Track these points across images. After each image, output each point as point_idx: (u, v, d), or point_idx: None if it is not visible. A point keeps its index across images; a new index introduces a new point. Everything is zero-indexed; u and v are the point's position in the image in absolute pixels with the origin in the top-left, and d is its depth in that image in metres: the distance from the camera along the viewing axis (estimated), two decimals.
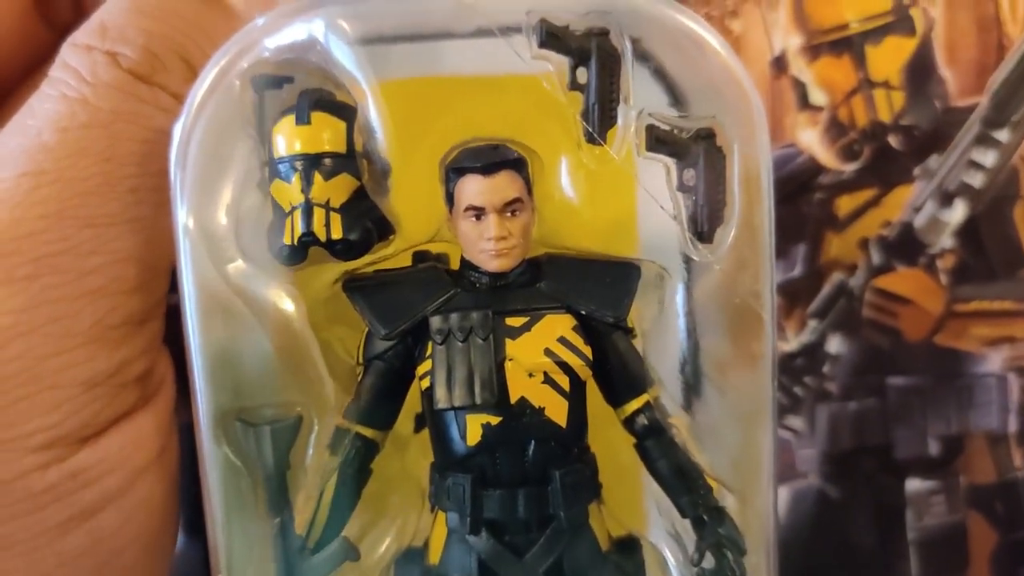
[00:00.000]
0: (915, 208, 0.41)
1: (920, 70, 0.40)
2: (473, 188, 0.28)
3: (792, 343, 0.41)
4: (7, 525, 0.27)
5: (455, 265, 0.31)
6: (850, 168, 0.40)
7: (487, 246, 0.28)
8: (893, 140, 0.40)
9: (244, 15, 0.34)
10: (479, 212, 0.28)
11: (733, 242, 0.28)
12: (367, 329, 0.30)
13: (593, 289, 0.29)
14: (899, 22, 0.39)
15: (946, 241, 0.41)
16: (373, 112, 0.28)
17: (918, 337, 0.41)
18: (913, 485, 0.42)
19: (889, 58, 0.40)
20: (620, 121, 0.27)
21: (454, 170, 0.28)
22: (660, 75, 0.27)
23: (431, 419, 0.30)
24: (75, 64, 0.30)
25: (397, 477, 0.32)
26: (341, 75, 0.28)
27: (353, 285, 0.29)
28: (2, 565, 0.27)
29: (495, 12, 0.27)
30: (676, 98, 0.27)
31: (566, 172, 0.28)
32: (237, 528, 0.29)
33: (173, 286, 0.30)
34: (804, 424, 0.41)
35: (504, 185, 0.28)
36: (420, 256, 0.31)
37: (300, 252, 0.28)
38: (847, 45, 0.39)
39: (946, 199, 0.41)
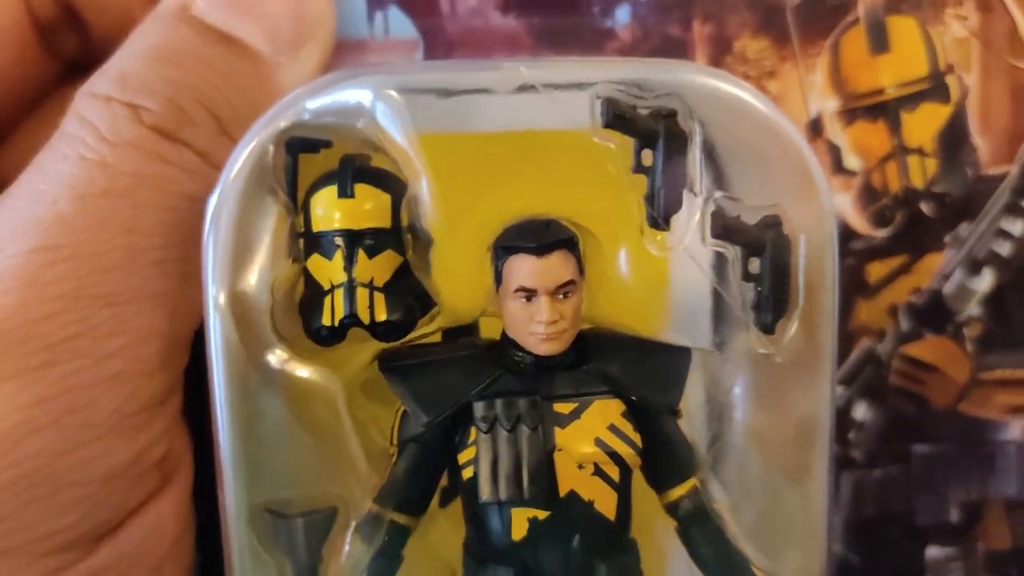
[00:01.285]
0: (944, 276, 0.40)
1: (953, 138, 0.39)
2: (525, 269, 0.27)
3: None
4: None
5: (485, 332, 0.29)
6: (882, 234, 0.39)
7: (537, 329, 0.27)
8: (925, 207, 0.39)
9: (270, 60, 0.32)
10: (530, 294, 0.27)
11: (796, 332, 0.27)
12: (400, 408, 0.28)
13: (645, 373, 0.28)
14: (934, 89, 0.39)
15: (973, 309, 0.40)
16: (424, 184, 0.26)
17: (943, 405, 0.41)
18: (932, 552, 0.42)
19: (924, 125, 0.39)
20: (684, 207, 0.26)
21: (504, 248, 0.27)
22: (720, 157, 0.26)
23: (470, 508, 0.28)
24: (93, 119, 0.28)
25: (421, 556, 0.30)
26: (390, 145, 0.26)
27: (391, 366, 0.28)
28: None
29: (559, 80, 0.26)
30: (739, 182, 0.26)
31: (625, 256, 0.27)
32: None
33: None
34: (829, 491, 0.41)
35: (557, 266, 0.27)
36: (449, 333, 0.29)
37: (340, 333, 0.26)
38: (883, 110, 0.39)
39: (974, 267, 0.40)
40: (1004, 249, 0.40)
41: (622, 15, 0.37)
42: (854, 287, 0.40)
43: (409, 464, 0.28)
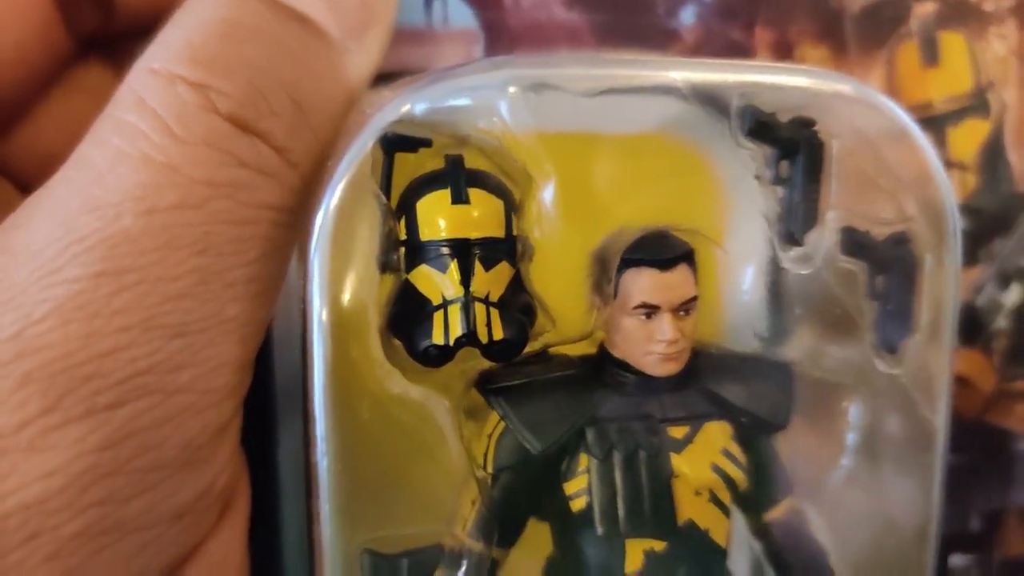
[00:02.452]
0: (976, 289, 0.41)
1: (992, 153, 0.40)
2: (648, 283, 0.25)
3: None
4: None
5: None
6: None
7: (658, 348, 0.25)
8: (964, 221, 0.40)
9: (339, 44, 0.28)
10: (652, 310, 0.25)
11: (919, 350, 0.26)
12: (492, 433, 0.26)
13: (753, 394, 0.27)
14: (977, 105, 0.39)
15: (1001, 322, 0.41)
16: (549, 188, 0.24)
17: (970, 415, 0.42)
18: (953, 560, 0.43)
19: (967, 140, 0.39)
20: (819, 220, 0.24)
21: (624, 260, 0.25)
22: (860, 174, 0.25)
23: (574, 539, 0.26)
24: (156, 104, 0.24)
25: None
26: (512, 147, 0.24)
27: (494, 389, 0.25)
28: None
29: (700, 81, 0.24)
30: (872, 201, 0.25)
31: (752, 271, 0.25)
32: None
33: None
34: None
35: (681, 281, 0.25)
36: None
37: (451, 353, 0.24)
38: (931, 124, 0.39)
39: (1004, 281, 0.41)
40: None
41: (687, 16, 0.35)
42: None
43: (506, 494, 0.26)
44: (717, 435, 0.26)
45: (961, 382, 0.41)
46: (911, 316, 0.25)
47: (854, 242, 0.25)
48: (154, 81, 0.24)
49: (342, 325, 0.23)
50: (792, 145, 0.24)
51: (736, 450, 0.27)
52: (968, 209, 0.40)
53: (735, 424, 0.27)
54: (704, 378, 0.27)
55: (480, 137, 0.24)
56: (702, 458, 0.26)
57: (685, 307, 0.25)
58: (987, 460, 0.42)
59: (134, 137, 0.23)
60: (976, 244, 0.40)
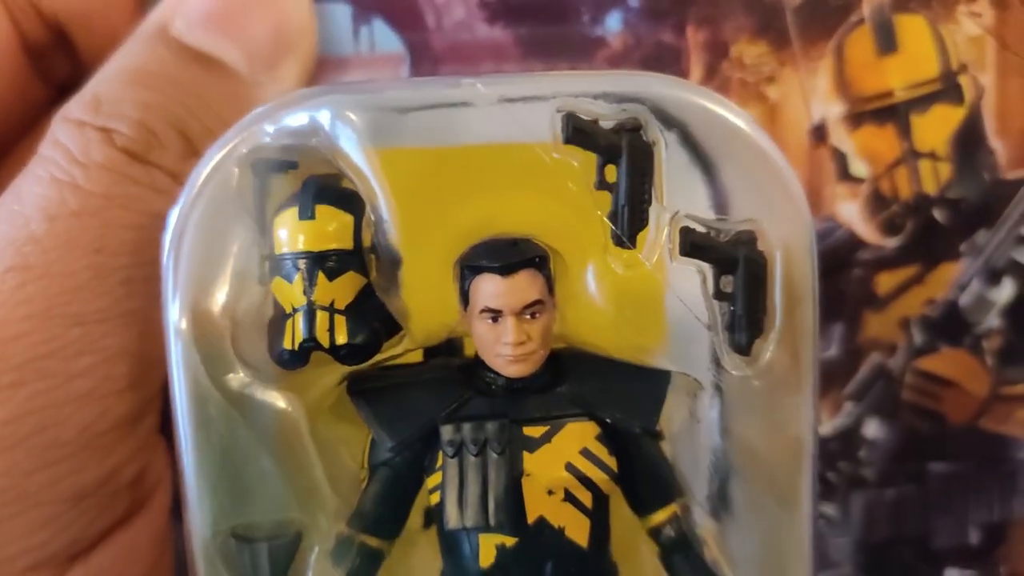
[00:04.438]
0: (961, 286, 0.38)
1: (968, 140, 0.37)
2: (490, 289, 0.26)
3: (826, 426, 0.38)
4: None
5: (470, 349, 0.29)
6: (892, 243, 0.38)
7: (504, 351, 0.26)
8: (938, 214, 0.38)
9: (248, 78, 0.31)
10: (496, 315, 0.26)
11: (773, 352, 0.25)
12: (371, 432, 0.28)
13: (620, 395, 0.27)
14: (947, 90, 0.37)
15: (993, 321, 0.38)
16: (382, 202, 0.26)
17: (961, 421, 0.39)
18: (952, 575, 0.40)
19: (936, 128, 0.37)
20: (652, 223, 0.25)
21: (469, 268, 0.26)
22: (697, 171, 0.25)
23: (440, 534, 0.27)
24: (66, 142, 0.28)
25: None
26: (347, 165, 0.26)
27: (358, 389, 0.27)
28: None
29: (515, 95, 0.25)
30: (714, 196, 0.25)
31: (592, 274, 0.26)
32: None
33: None
34: (838, 511, 0.39)
35: (524, 286, 0.26)
36: (430, 352, 0.29)
37: (302, 357, 0.26)
38: (891, 114, 0.37)
39: (993, 277, 0.38)
40: None
41: (613, 22, 0.36)
42: (863, 299, 0.38)
43: (380, 488, 0.28)
44: (578, 435, 0.27)
45: (948, 385, 0.39)
46: (761, 317, 0.25)
47: (692, 243, 0.24)
48: (67, 126, 0.28)
49: (201, 331, 0.25)
50: (614, 151, 0.24)
51: (601, 451, 0.27)
52: (944, 201, 0.38)
53: (602, 425, 0.27)
54: (572, 381, 0.27)
55: (327, 157, 0.26)
56: (556, 458, 0.26)
57: (530, 311, 0.26)
58: (984, 469, 0.39)
59: (47, 164, 0.28)
60: (956, 238, 0.38)
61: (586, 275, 0.26)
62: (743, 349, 0.25)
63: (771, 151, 0.24)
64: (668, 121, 0.24)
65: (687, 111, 0.24)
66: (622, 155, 0.24)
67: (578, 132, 0.24)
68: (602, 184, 0.24)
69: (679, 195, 0.25)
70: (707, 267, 0.25)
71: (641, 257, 0.25)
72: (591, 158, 0.25)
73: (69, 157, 0.28)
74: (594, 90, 0.24)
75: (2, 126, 0.34)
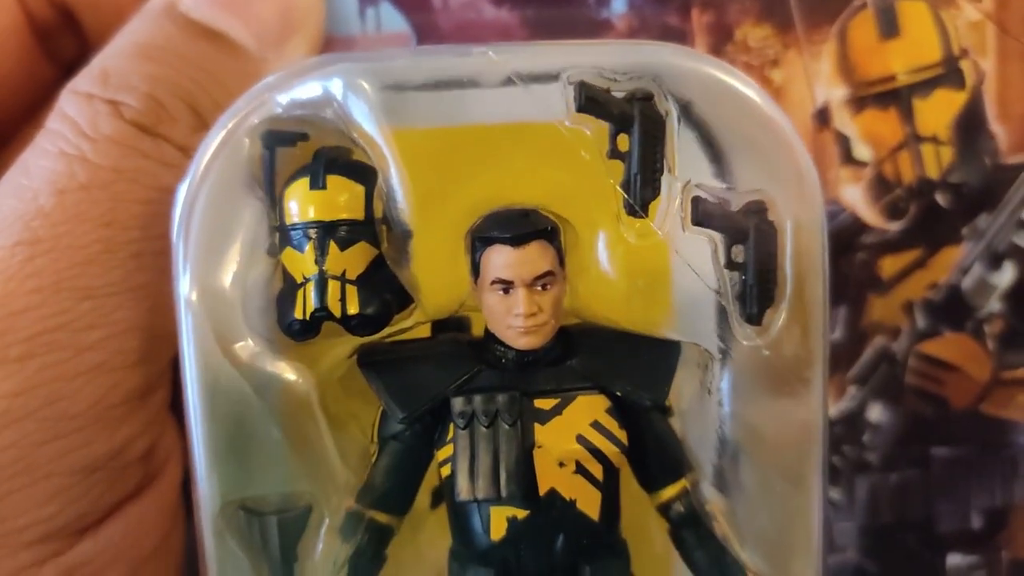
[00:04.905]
0: (963, 270, 0.38)
1: (970, 125, 0.37)
2: (501, 260, 0.26)
3: (831, 410, 0.39)
4: None
5: (477, 329, 0.29)
6: (895, 227, 0.38)
7: (515, 322, 0.26)
8: (941, 198, 0.38)
9: (256, 54, 0.31)
10: (507, 285, 0.26)
11: (785, 322, 0.26)
12: (381, 405, 0.28)
13: (630, 368, 0.27)
14: (949, 75, 0.37)
15: (994, 305, 0.39)
16: (394, 174, 0.26)
17: (963, 405, 0.39)
18: (954, 560, 0.40)
19: (938, 112, 0.37)
20: (664, 192, 0.25)
21: (480, 239, 0.26)
22: (707, 142, 0.25)
23: (451, 507, 0.27)
24: (74, 115, 0.28)
25: (410, 559, 0.29)
26: (359, 135, 0.26)
27: (369, 361, 0.27)
28: None
29: (527, 68, 0.25)
30: (724, 168, 0.25)
31: (603, 245, 0.26)
32: None
33: None
34: (843, 496, 0.39)
35: (535, 257, 0.26)
36: (439, 324, 0.29)
37: (312, 327, 0.26)
38: (894, 98, 0.37)
39: (995, 261, 0.38)
40: None
41: (618, 5, 0.36)
42: (867, 283, 0.38)
43: (389, 462, 0.28)
44: (588, 408, 0.27)
45: (950, 369, 0.39)
46: (772, 287, 0.25)
47: (704, 212, 0.25)
48: (75, 99, 0.28)
49: (211, 303, 0.25)
50: (626, 119, 0.24)
51: (611, 424, 0.27)
52: (946, 185, 0.38)
53: (612, 398, 0.27)
54: (583, 354, 0.27)
55: (339, 128, 0.26)
56: (567, 430, 0.26)
57: (541, 282, 0.26)
58: (987, 454, 0.39)
59: (54, 138, 0.28)
60: (957, 221, 0.38)
61: (597, 246, 0.26)
62: (754, 319, 0.25)
63: (782, 122, 0.25)
64: (677, 92, 0.24)
65: (696, 81, 0.24)
66: (634, 124, 0.24)
67: (591, 101, 0.24)
68: (614, 153, 0.24)
69: (688, 165, 0.25)
70: (718, 237, 0.25)
71: (654, 226, 0.25)
72: (604, 128, 0.25)
73: (77, 130, 0.28)
74: (605, 61, 0.24)
75: (10, 106, 0.34)
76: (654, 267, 0.25)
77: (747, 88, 0.25)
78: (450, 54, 0.25)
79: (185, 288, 0.25)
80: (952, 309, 0.38)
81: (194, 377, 0.25)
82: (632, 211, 0.25)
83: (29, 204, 0.27)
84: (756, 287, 0.25)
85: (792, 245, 0.25)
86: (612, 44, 0.27)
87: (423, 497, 0.29)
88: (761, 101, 0.25)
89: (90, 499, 0.27)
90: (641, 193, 0.24)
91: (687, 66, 0.24)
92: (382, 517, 0.28)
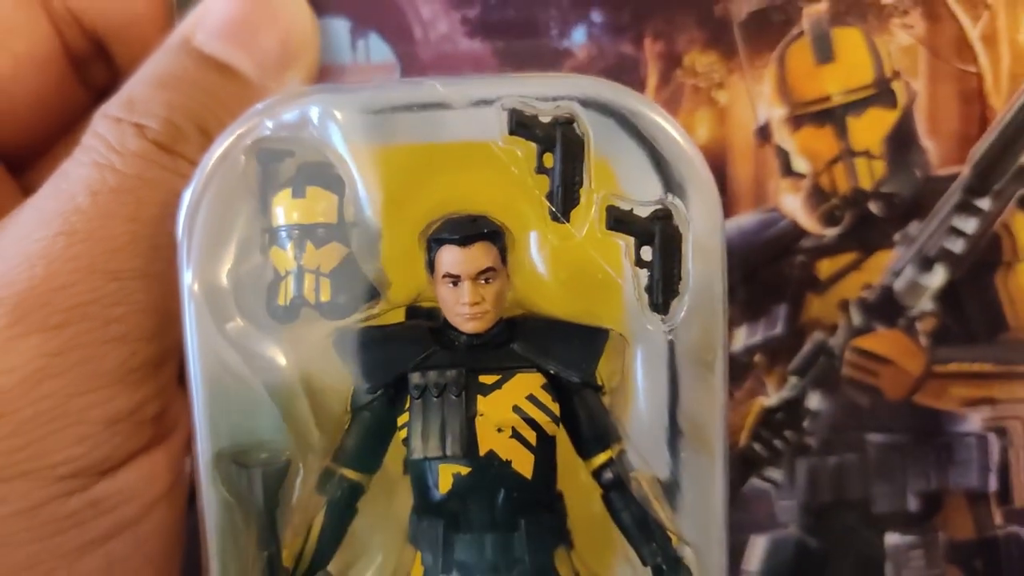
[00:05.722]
0: (895, 272, 0.42)
1: (901, 140, 0.41)
2: (450, 258, 0.31)
3: (773, 398, 0.43)
4: (31, 547, 0.31)
5: None
6: (831, 233, 0.42)
7: (462, 310, 0.31)
8: (874, 207, 0.42)
9: (258, 83, 0.37)
10: (455, 279, 0.31)
11: (688, 312, 0.30)
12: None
13: (562, 350, 0.32)
14: (880, 95, 0.41)
15: (926, 304, 0.42)
16: (361, 185, 0.31)
17: (897, 396, 0.43)
18: (892, 539, 0.44)
19: (870, 129, 0.41)
20: (583, 201, 0.29)
21: (434, 240, 0.31)
22: (625, 158, 0.30)
23: (408, 466, 0.32)
24: (105, 133, 0.34)
25: (384, 517, 0.34)
26: (332, 153, 0.31)
27: (343, 341, 0.32)
28: None
29: (471, 97, 0.30)
30: (639, 178, 0.30)
31: (535, 246, 0.31)
32: (231, 559, 0.32)
33: None
34: (784, 476, 0.43)
35: (479, 255, 0.31)
36: (413, 312, 0.33)
37: (292, 312, 0.31)
38: (829, 116, 0.41)
39: (926, 264, 0.42)
40: (956, 246, 0.42)
41: (578, 36, 0.40)
42: (805, 283, 0.42)
43: (359, 427, 0.33)
44: (525, 384, 0.31)
45: (884, 362, 0.43)
46: (676, 281, 0.29)
47: (616, 219, 0.29)
48: (105, 121, 0.34)
49: (210, 293, 0.31)
50: (551, 140, 0.29)
51: (545, 397, 0.32)
52: (879, 195, 0.42)
53: (547, 376, 0.32)
54: (522, 338, 0.32)
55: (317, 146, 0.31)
56: (505, 401, 0.31)
57: (484, 276, 0.31)
58: (920, 441, 0.43)
59: (89, 152, 0.34)
60: (889, 228, 0.42)
61: (530, 247, 0.31)
62: (660, 308, 0.30)
63: (684, 142, 0.29)
64: (599, 113, 0.29)
65: (613, 108, 0.29)
66: (557, 144, 0.29)
67: (520, 125, 0.29)
68: (541, 169, 0.29)
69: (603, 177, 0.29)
70: (630, 239, 0.30)
71: (572, 230, 0.29)
72: (532, 147, 0.29)
73: (108, 146, 0.33)
74: (535, 91, 0.29)
75: (48, 124, 0.40)
76: (575, 264, 0.30)
77: (654, 113, 0.29)
78: (406, 85, 0.30)
79: (189, 279, 0.31)
80: (885, 308, 0.42)
81: (195, 351, 0.31)
82: (555, 218, 0.29)
83: (67, 203, 0.32)
84: (661, 281, 0.29)
85: (694, 246, 0.29)
86: (540, 76, 0.32)
87: (396, 465, 0.34)
88: (668, 125, 0.29)
89: (112, 446, 0.32)
90: (563, 202, 0.29)
91: (604, 95, 0.29)
92: (352, 474, 0.33)
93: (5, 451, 0.30)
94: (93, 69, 0.41)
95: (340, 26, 0.40)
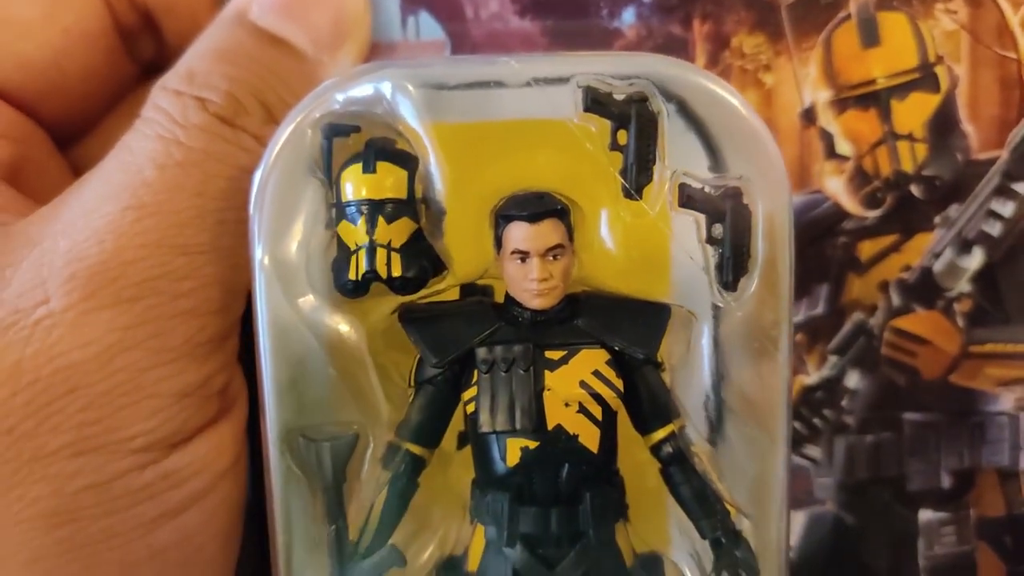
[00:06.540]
0: (934, 254, 0.43)
1: (943, 124, 0.42)
2: (519, 234, 0.31)
3: (813, 377, 0.43)
4: (107, 519, 0.31)
5: (499, 297, 0.34)
6: (873, 215, 0.42)
7: (530, 286, 0.31)
8: (915, 189, 0.42)
9: (312, 58, 0.37)
10: (524, 255, 0.31)
11: (755, 290, 0.30)
12: (417, 355, 0.33)
13: (626, 327, 0.32)
14: (924, 79, 0.42)
15: (964, 286, 0.43)
16: (432, 161, 0.31)
17: (934, 376, 0.43)
18: (925, 515, 0.45)
19: (913, 113, 0.42)
20: (656, 179, 0.30)
21: (503, 216, 0.31)
22: (700, 136, 0.30)
23: (474, 441, 0.33)
24: (167, 107, 0.34)
25: (441, 490, 0.35)
26: (405, 129, 0.31)
27: (408, 316, 0.32)
28: (100, 556, 0.30)
29: (543, 74, 0.30)
30: (715, 158, 0.30)
31: (605, 223, 0.31)
32: (298, 532, 0.32)
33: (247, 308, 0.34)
34: (822, 454, 0.44)
35: (547, 232, 0.31)
36: (467, 289, 0.34)
37: (363, 287, 0.31)
38: (873, 100, 0.42)
39: (965, 246, 0.43)
40: (994, 229, 0.43)
41: (628, 16, 0.41)
42: (847, 264, 0.43)
43: (423, 402, 0.33)
44: (590, 359, 0.32)
45: (922, 343, 0.43)
46: (745, 259, 0.30)
47: (689, 196, 0.29)
48: (166, 95, 0.34)
49: (280, 268, 0.31)
50: (625, 117, 0.29)
51: (610, 373, 0.32)
52: (920, 178, 0.42)
53: (611, 352, 0.32)
54: (587, 315, 0.33)
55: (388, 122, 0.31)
56: (572, 376, 0.31)
57: (552, 252, 0.31)
58: (955, 420, 0.44)
59: (151, 125, 0.33)
60: (930, 211, 0.42)
61: (600, 224, 0.31)
62: (729, 285, 0.30)
63: (755, 122, 0.29)
64: (669, 95, 0.29)
65: (684, 86, 0.29)
66: (631, 121, 0.29)
67: (595, 103, 0.29)
68: (614, 146, 0.29)
69: (679, 155, 0.30)
70: (701, 217, 0.30)
71: (646, 207, 0.30)
72: (606, 124, 0.30)
73: (170, 119, 0.33)
74: (608, 69, 0.29)
75: (98, 96, 0.40)
76: (651, 242, 0.30)
77: (726, 93, 0.29)
78: (480, 62, 0.30)
79: (259, 254, 0.31)
80: (924, 289, 0.43)
81: (265, 326, 0.31)
82: (628, 195, 0.30)
83: (135, 176, 0.32)
84: (731, 259, 0.30)
85: (763, 225, 0.30)
86: (613, 55, 0.32)
87: (451, 440, 0.34)
88: (739, 104, 0.30)
89: (182, 419, 0.32)
90: (636, 180, 0.29)
91: (675, 74, 0.29)
92: (416, 448, 0.33)
93: (79, 424, 0.30)
94: (141, 43, 0.40)
95: (391, 3, 0.40)
